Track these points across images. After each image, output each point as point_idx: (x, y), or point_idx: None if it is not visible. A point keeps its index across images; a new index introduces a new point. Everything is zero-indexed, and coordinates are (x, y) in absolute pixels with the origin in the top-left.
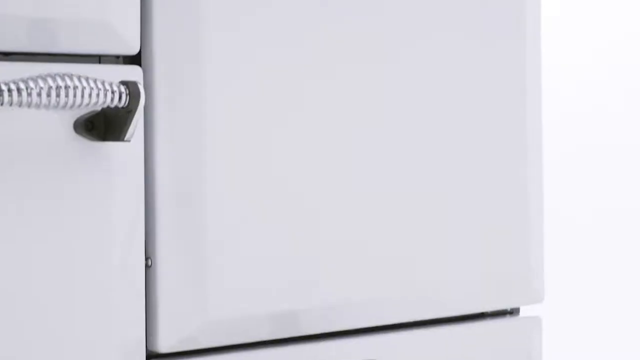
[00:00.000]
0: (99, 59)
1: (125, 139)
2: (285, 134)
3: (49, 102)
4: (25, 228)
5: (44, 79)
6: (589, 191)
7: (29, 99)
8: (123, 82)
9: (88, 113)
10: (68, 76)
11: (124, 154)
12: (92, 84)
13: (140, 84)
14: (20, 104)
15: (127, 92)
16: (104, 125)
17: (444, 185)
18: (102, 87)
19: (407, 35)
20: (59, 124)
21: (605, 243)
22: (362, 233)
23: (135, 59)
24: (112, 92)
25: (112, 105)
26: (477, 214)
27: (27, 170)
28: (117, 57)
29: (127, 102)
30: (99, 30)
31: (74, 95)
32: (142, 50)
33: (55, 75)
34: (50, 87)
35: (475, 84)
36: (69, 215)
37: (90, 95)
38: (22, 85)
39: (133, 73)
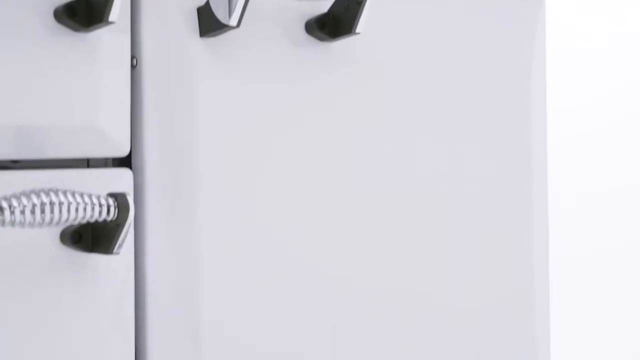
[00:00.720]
0: (87, 161)
1: (114, 252)
2: (284, 241)
3: (34, 219)
4: (12, 339)
5: (28, 196)
6: (593, 265)
7: (13, 218)
8: (111, 195)
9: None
10: (53, 192)
11: (112, 265)
12: (78, 199)
13: (129, 195)
14: (3, 224)
15: (116, 205)
16: (91, 237)
17: (448, 271)
18: (89, 201)
19: (409, 41)
20: (44, 235)
21: (611, 318)
22: (362, 334)
23: (125, 161)
24: (100, 206)
25: (100, 220)
26: (481, 296)
27: (12, 281)
28: (107, 158)
29: (115, 216)
30: (87, 133)
31: (60, 212)
32: (132, 152)
33: (39, 191)
34: (34, 205)
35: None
36: (56, 326)
37: (77, 210)
38: (4, 204)
39: (123, 176)
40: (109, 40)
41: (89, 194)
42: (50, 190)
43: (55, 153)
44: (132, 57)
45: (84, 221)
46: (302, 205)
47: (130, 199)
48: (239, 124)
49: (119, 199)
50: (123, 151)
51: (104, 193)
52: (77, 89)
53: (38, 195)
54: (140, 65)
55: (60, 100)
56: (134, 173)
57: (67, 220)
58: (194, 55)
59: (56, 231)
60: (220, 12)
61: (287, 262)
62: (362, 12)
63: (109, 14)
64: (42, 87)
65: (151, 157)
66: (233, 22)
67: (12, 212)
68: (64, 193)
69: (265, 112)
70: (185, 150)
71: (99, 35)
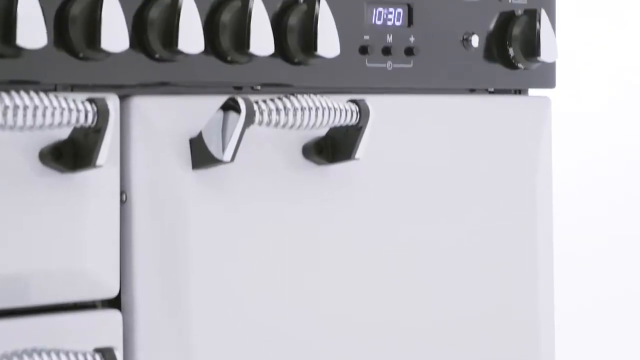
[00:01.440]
0: (75, 303)
1: None
2: None
3: None
4: None
5: (9, 359)
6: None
7: None
8: (97, 350)
9: None
10: (37, 352)
11: None
12: (63, 358)
13: (117, 350)
14: None
15: None
16: None
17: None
18: (74, 359)
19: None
20: None
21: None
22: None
23: (114, 301)
24: None
25: None
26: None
27: None
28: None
29: None
30: (73, 277)
31: None
32: (121, 292)
33: (22, 353)
34: None
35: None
36: None
37: None
38: None
39: (112, 319)
40: (97, 177)
41: (74, 352)
42: (33, 350)
43: (39, 299)
44: (122, 193)
45: None
46: (302, 339)
47: (119, 355)
48: (234, 257)
49: (106, 355)
50: (112, 292)
51: (91, 340)
52: (62, 231)
53: (20, 358)
54: (129, 201)
55: (45, 244)
56: (123, 314)
57: None
58: (187, 188)
59: None
60: (213, 147)
61: None
62: (362, 137)
63: (96, 158)
64: (25, 231)
65: (141, 297)
66: (227, 157)
67: None
68: (48, 353)
69: (261, 241)
70: (178, 288)
71: (87, 172)
